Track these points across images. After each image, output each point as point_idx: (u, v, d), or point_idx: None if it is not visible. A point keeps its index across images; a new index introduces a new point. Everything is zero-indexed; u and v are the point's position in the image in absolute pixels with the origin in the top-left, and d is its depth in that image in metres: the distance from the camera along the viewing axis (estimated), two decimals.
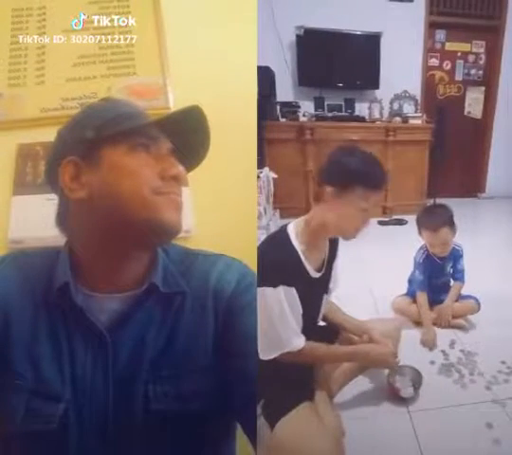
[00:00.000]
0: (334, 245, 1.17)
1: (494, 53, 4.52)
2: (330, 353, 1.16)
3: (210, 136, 0.85)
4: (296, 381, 1.07)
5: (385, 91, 4.14)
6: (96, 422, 0.74)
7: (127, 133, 0.76)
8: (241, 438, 0.87)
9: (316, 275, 1.09)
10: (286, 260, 1.02)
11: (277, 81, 3.74)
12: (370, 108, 4.09)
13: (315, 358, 1.12)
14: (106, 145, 0.75)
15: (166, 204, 0.75)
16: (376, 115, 4.08)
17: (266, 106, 3.47)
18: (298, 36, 3.86)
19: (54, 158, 0.80)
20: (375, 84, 4.10)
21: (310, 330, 1.09)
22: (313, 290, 1.09)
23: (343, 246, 1.19)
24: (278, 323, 1.00)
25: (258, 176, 2.55)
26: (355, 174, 1.00)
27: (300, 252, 1.04)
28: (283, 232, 1.07)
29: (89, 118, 0.80)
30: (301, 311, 1.04)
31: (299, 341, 1.04)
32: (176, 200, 0.77)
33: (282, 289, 0.99)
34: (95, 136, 0.76)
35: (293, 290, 1.01)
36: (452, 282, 1.92)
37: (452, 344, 1.69)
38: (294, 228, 1.06)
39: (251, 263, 0.91)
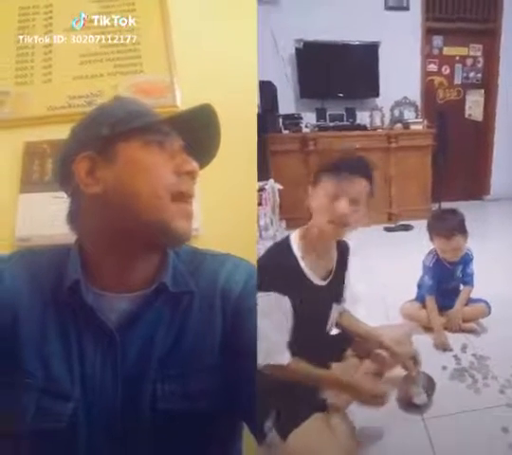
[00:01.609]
0: (343, 255, 1.15)
1: (491, 55, 4.55)
2: (312, 376, 1.04)
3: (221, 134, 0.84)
4: (307, 392, 1.05)
5: (385, 99, 4.17)
6: (104, 421, 0.74)
7: (140, 129, 0.76)
8: (247, 437, 0.87)
9: (321, 283, 1.07)
10: (284, 266, 1.00)
11: (279, 95, 3.78)
12: (371, 116, 4.12)
13: (298, 378, 1.03)
14: (121, 141, 0.76)
15: (178, 212, 0.75)
16: (378, 122, 4.10)
17: (269, 120, 3.50)
18: (297, 49, 3.91)
19: (67, 155, 0.79)
20: (375, 93, 4.13)
21: (318, 338, 1.08)
22: (319, 298, 1.07)
23: (351, 253, 1.18)
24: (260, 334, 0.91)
25: (263, 188, 2.58)
26: (324, 163, 1.00)
27: (299, 258, 1.02)
28: (285, 240, 1.06)
29: (103, 115, 0.80)
30: (289, 323, 0.99)
31: (279, 357, 0.97)
32: (188, 208, 0.77)
33: (273, 297, 0.95)
34: (110, 133, 0.76)
35: (286, 299, 0.96)
36: (462, 286, 1.90)
37: (464, 348, 1.68)
38: (294, 236, 1.06)
39: (251, 261, 0.90)
